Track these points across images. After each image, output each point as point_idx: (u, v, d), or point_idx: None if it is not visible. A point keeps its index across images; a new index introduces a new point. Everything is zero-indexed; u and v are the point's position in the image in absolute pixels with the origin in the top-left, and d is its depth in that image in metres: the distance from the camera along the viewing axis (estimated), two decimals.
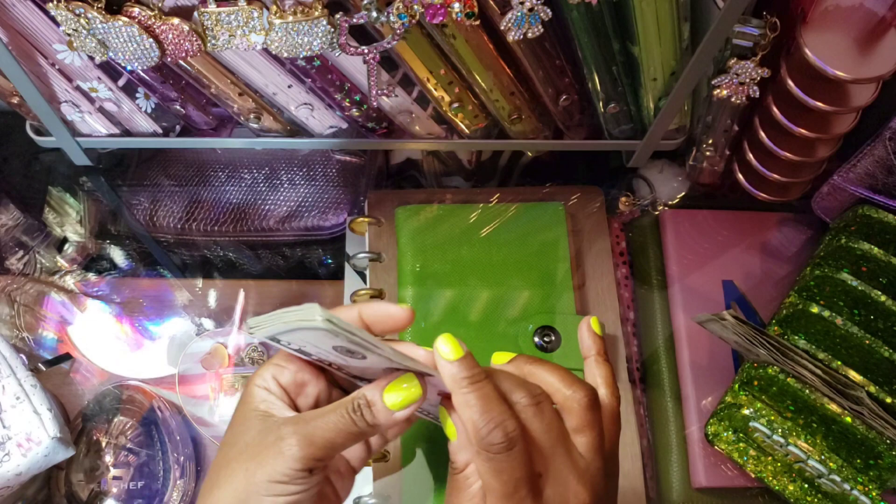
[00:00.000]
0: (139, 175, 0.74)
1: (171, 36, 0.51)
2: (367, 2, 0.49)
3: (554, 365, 0.38)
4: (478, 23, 0.51)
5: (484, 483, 0.36)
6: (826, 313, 0.58)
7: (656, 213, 0.71)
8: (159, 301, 0.70)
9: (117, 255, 0.73)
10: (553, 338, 0.61)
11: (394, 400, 0.37)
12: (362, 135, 0.67)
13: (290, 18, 0.50)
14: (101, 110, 0.64)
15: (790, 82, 0.56)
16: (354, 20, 0.50)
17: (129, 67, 0.56)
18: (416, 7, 0.49)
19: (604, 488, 0.37)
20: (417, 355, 0.39)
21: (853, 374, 0.56)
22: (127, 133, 0.67)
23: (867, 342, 0.56)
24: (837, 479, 0.56)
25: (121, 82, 0.62)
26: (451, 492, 0.38)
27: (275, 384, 0.40)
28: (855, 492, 0.55)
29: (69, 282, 0.71)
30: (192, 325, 0.68)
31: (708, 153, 0.67)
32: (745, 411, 0.58)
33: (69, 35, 0.52)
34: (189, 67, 0.59)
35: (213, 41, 0.52)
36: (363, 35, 0.54)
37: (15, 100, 0.63)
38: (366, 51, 0.53)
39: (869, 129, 0.59)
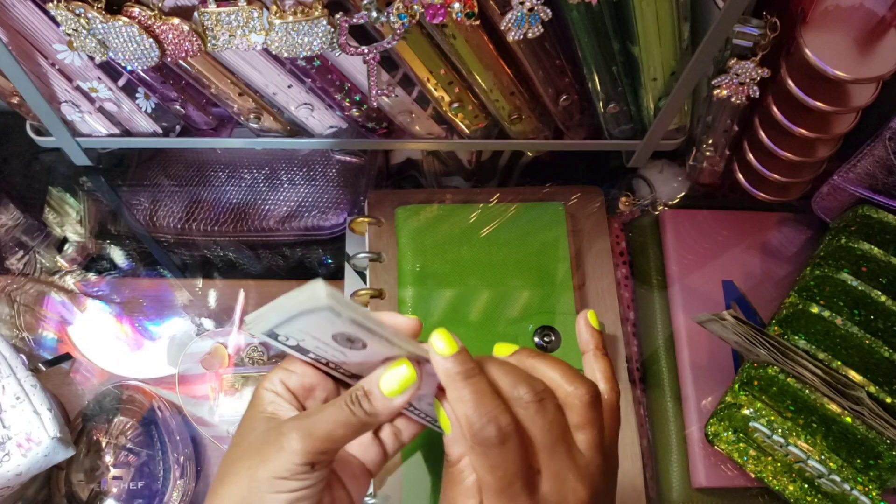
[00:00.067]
0: (139, 175, 0.74)
1: (171, 36, 0.51)
2: (367, 2, 0.49)
3: (556, 360, 0.38)
4: (478, 23, 0.51)
5: (478, 477, 0.36)
6: (826, 313, 0.58)
7: (656, 213, 0.71)
8: (159, 301, 0.70)
9: (117, 255, 0.73)
10: (553, 338, 0.61)
11: (389, 386, 0.37)
12: (362, 135, 0.67)
13: (290, 18, 0.50)
14: (101, 110, 0.64)
15: (790, 82, 0.56)
16: (354, 20, 0.50)
17: (129, 67, 0.56)
18: (416, 7, 0.49)
19: (603, 486, 0.36)
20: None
21: (853, 374, 0.56)
22: (127, 133, 0.67)
23: (867, 342, 0.56)
24: (837, 479, 0.56)
25: (121, 82, 0.62)
26: (446, 485, 0.38)
27: (282, 388, 0.40)
28: (855, 492, 0.55)
29: (69, 282, 0.71)
30: (192, 325, 0.68)
31: (708, 153, 0.67)
32: (745, 411, 0.58)
33: (69, 35, 0.52)
34: (189, 67, 0.59)
35: (213, 41, 0.52)
36: (363, 35, 0.54)
37: (15, 100, 0.63)
38: (366, 51, 0.53)
39: (869, 129, 0.59)
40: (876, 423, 0.53)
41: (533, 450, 0.35)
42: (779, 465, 0.58)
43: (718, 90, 0.58)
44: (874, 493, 0.55)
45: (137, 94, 0.64)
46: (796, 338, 0.58)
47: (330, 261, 0.73)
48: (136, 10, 0.50)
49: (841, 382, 0.54)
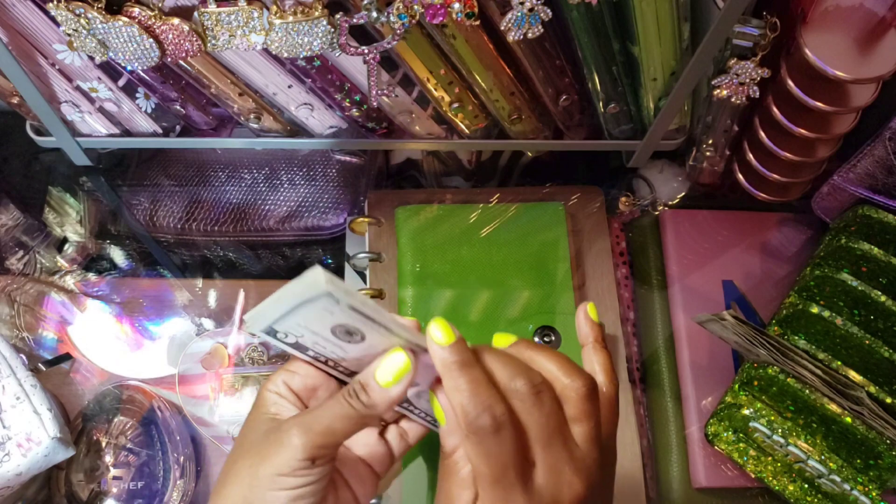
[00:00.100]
0: (139, 175, 0.74)
1: (171, 36, 0.51)
2: (367, 2, 0.49)
3: (554, 352, 0.38)
4: (478, 23, 0.51)
5: (473, 467, 0.36)
6: (826, 313, 0.58)
7: (656, 213, 0.71)
8: (159, 301, 0.70)
9: (117, 255, 0.73)
10: (553, 338, 0.61)
11: (385, 376, 0.37)
12: (362, 135, 0.67)
13: (290, 18, 0.50)
14: (101, 110, 0.64)
15: (790, 82, 0.56)
16: (354, 20, 0.50)
17: (129, 67, 0.56)
18: (416, 7, 0.49)
19: (599, 479, 0.36)
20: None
21: (853, 374, 0.56)
22: (127, 133, 0.67)
23: (867, 342, 0.56)
24: (837, 479, 0.56)
25: (121, 82, 0.62)
26: (441, 477, 0.38)
27: (286, 389, 0.40)
28: (855, 492, 0.55)
29: (69, 282, 0.71)
30: (192, 325, 0.68)
31: (708, 153, 0.67)
32: (745, 411, 0.58)
33: (69, 35, 0.52)
34: (189, 67, 0.59)
35: (213, 41, 0.52)
36: (363, 35, 0.54)
37: (15, 100, 0.63)
38: (366, 51, 0.53)
39: (869, 129, 0.59)
40: (876, 423, 0.53)
41: (529, 441, 0.35)
42: (779, 465, 0.58)
43: (718, 90, 0.58)
44: (874, 493, 0.55)
45: (137, 94, 0.64)
46: (796, 338, 0.58)
47: (330, 261, 0.73)
48: (136, 11, 0.50)
49: (841, 382, 0.54)
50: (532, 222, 0.66)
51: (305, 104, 0.62)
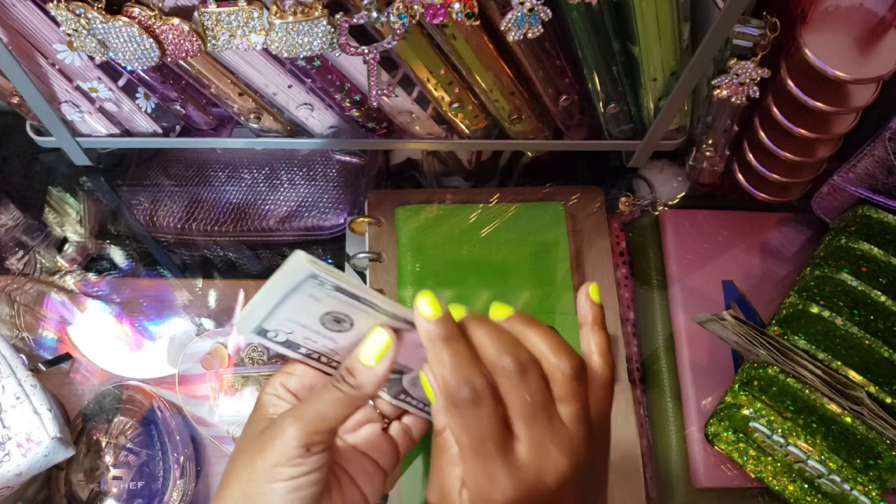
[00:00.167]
0: (139, 175, 0.74)
1: (171, 36, 0.51)
2: (367, 2, 0.49)
3: (546, 330, 0.38)
4: (478, 23, 0.51)
5: (455, 439, 0.36)
6: (826, 313, 0.58)
7: (656, 213, 0.71)
8: (159, 301, 0.70)
9: (117, 255, 0.73)
10: None
11: (369, 355, 0.37)
12: (362, 135, 0.67)
13: (290, 18, 0.50)
14: (101, 110, 0.64)
15: (790, 82, 0.56)
16: (354, 20, 0.50)
17: (129, 67, 0.56)
18: (416, 7, 0.49)
19: (586, 456, 0.36)
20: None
21: (853, 375, 0.56)
22: (127, 133, 0.67)
23: (867, 342, 0.56)
24: (837, 479, 0.56)
25: (121, 82, 0.62)
26: (433, 454, 0.39)
27: (283, 390, 0.41)
28: (855, 492, 0.55)
29: (69, 282, 0.71)
30: (192, 325, 0.68)
31: (708, 153, 0.67)
32: (745, 411, 0.58)
33: (69, 35, 0.52)
34: (189, 67, 0.59)
35: (213, 41, 0.52)
36: (363, 35, 0.54)
37: (15, 100, 0.63)
38: (366, 51, 0.53)
39: (869, 129, 0.59)
40: (876, 423, 0.53)
41: (513, 417, 0.35)
42: (779, 465, 0.58)
43: (718, 90, 0.58)
44: (874, 493, 0.55)
45: (137, 94, 0.64)
46: (796, 338, 0.58)
47: (330, 261, 0.73)
48: (136, 11, 0.50)
49: (841, 382, 0.54)
50: (532, 222, 0.66)
51: (305, 104, 0.62)
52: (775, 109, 0.59)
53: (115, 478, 0.62)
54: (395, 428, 0.45)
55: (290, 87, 0.60)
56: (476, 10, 0.49)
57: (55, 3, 0.49)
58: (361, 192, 0.72)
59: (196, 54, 0.53)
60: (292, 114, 0.63)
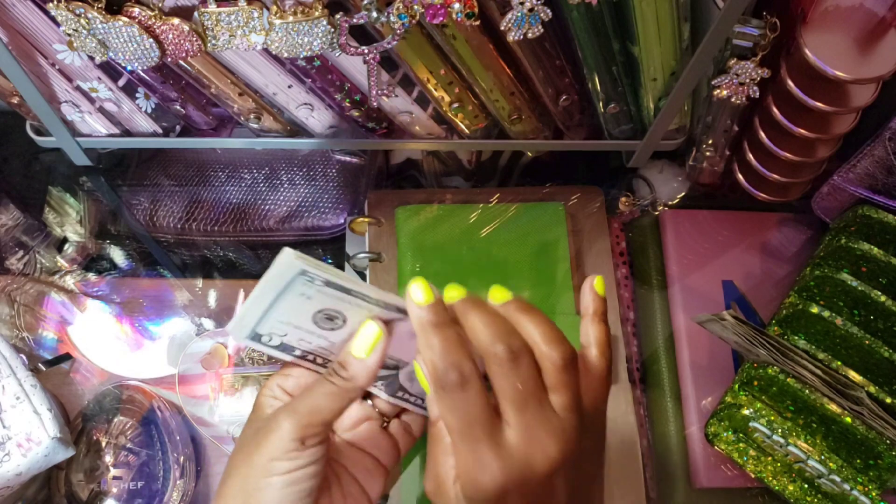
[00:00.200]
0: (139, 175, 0.74)
1: (171, 36, 0.51)
2: (367, 2, 0.49)
3: (541, 318, 0.38)
4: (478, 23, 0.51)
5: (444, 423, 0.37)
6: (826, 313, 0.58)
7: (656, 213, 0.71)
8: (159, 301, 0.70)
9: (117, 255, 0.73)
10: None
11: (359, 348, 0.38)
12: (362, 135, 0.67)
13: (291, 18, 0.50)
14: (101, 110, 0.64)
15: (790, 82, 0.56)
16: (354, 20, 0.50)
17: (129, 67, 0.56)
18: (416, 7, 0.49)
19: (577, 445, 0.36)
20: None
21: (853, 375, 0.56)
22: (127, 133, 0.67)
23: (867, 342, 0.56)
24: (837, 479, 0.56)
25: (121, 82, 0.62)
26: (429, 444, 0.39)
27: (280, 391, 0.41)
28: (855, 492, 0.55)
29: (69, 282, 0.71)
30: (192, 325, 0.68)
31: (708, 153, 0.67)
32: (745, 411, 0.58)
33: (69, 35, 0.52)
34: (189, 67, 0.59)
35: (214, 41, 0.52)
36: (363, 35, 0.54)
37: (15, 100, 0.63)
38: (366, 51, 0.53)
39: (869, 129, 0.59)
40: (876, 423, 0.53)
41: (505, 405, 0.36)
42: (779, 465, 0.58)
43: (718, 90, 0.58)
44: (874, 494, 0.55)
45: (137, 94, 0.64)
46: (796, 338, 0.58)
47: (330, 261, 0.73)
48: (136, 10, 0.50)
49: (841, 382, 0.54)
50: (532, 222, 0.66)
51: (305, 104, 0.62)
52: (775, 109, 0.59)
53: (115, 478, 0.62)
54: (394, 425, 0.45)
55: (290, 87, 0.60)
56: (476, 10, 0.49)
57: (55, 3, 0.49)
58: (361, 192, 0.72)
59: (196, 54, 0.53)
60: (292, 114, 0.64)
